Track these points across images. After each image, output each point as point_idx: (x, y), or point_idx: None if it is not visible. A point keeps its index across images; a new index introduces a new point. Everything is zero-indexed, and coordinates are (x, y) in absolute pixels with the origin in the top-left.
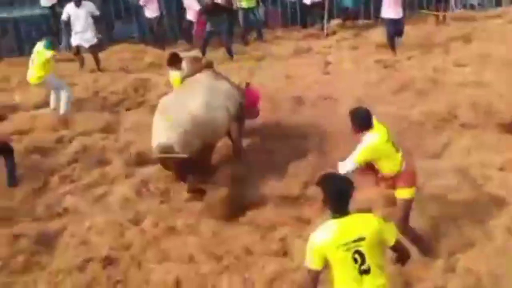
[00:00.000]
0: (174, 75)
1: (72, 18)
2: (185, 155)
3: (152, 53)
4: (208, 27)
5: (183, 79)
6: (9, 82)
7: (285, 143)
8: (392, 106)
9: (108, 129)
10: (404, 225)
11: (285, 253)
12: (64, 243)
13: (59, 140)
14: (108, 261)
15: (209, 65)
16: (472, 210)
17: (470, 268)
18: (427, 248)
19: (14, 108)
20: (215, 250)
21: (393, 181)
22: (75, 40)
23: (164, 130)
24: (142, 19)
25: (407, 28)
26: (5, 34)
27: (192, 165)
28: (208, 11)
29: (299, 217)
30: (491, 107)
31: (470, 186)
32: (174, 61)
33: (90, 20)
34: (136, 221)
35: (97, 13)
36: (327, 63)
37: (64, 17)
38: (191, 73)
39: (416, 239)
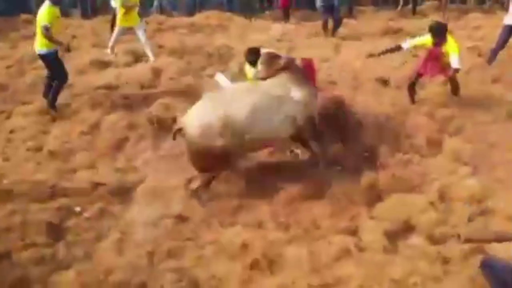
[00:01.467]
0: (248, 70)
1: None
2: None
3: (238, 22)
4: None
5: (255, 79)
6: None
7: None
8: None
9: (188, 93)
10: None
11: (354, 232)
12: (140, 196)
13: (143, 98)
14: (180, 219)
15: (288, 66)
16: None
17: None
18: None
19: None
20: (284, 219)
21: None
22: None
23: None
24: None
25: None
26: None
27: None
28: None
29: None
30: None
31: None
32: (251, 57)
33: None
34: None
35: None
36: None
37: None
38: (265, 76)
39: None
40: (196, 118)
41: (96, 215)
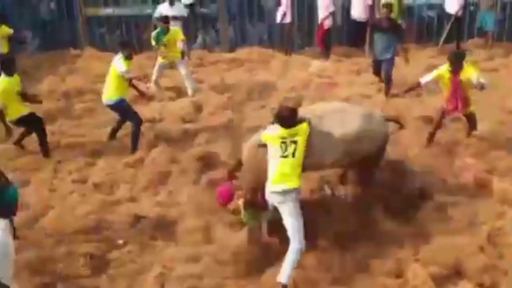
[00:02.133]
0: None
1: None
2: None
3: (279, 58)
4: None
5: None
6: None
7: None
8: None
9: (231, 127)
10: None
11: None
12: (181, 232)
13: (185, 132)
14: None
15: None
16: None
17: None
18: None
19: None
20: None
21: None
22: None
23: None
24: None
25: None
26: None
27: None
28: (378, 27)
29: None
30: None
31: None
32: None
33: None
34: None
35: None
36: None
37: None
38: None
39: None
40: None
41: (138, 249)
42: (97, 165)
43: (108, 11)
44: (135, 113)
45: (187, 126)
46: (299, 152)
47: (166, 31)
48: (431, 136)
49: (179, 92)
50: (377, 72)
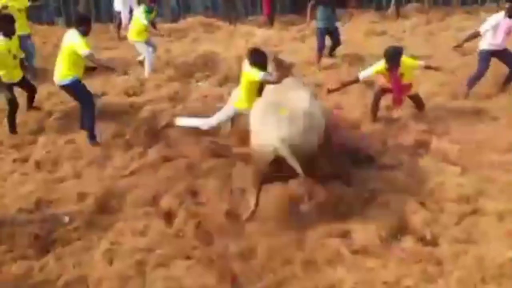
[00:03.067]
0: (250, 70)
1: None
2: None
3: (223, 27)
4: (321, 23)
5: (264, 81)
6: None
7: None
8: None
9: (176, 99)
10: None
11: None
12: (128, 206)
13: (131, 106)
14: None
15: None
16: None
17: None
18: None
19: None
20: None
21: None
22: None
23: (281, 123)
24: None
25: None
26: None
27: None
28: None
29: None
30: None
31: None
32: (256, 58)
33: None
34: None
35: None
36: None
37: None
38: (278, 80)
39: None
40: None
41: (84, 225)
42: (39, 142)
43: None
44: (90, 94)
45: (132, 99)
46: None
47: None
48: (374, 115)
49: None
50: (323, 41)
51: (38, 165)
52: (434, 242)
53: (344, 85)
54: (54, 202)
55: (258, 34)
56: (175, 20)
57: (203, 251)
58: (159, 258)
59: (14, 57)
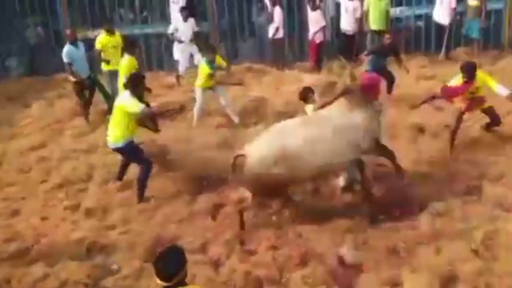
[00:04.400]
0: (308, 108)
1: None
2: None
3: (271, 73)
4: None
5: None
6: None
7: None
8: None
9: (225, 145)
10: None
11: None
12: None
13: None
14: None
15: (346, 90)
16: None
17: None
18: None
19: None
20: None
21: None
22: None
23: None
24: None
25: None
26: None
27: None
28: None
29: None
30: None
31: None
32: (305, 94)
33: None
34: None
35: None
36: None
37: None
38: (322, 105)
39: None
40: (255, 149)
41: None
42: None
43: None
44: (144, 155)
45: (181, 146)
46: None
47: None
48: (452, 140)
49: None
50: None
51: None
52: None
53: (424, 102)
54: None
55: (306, 80)
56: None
57: None
58: None
59: None
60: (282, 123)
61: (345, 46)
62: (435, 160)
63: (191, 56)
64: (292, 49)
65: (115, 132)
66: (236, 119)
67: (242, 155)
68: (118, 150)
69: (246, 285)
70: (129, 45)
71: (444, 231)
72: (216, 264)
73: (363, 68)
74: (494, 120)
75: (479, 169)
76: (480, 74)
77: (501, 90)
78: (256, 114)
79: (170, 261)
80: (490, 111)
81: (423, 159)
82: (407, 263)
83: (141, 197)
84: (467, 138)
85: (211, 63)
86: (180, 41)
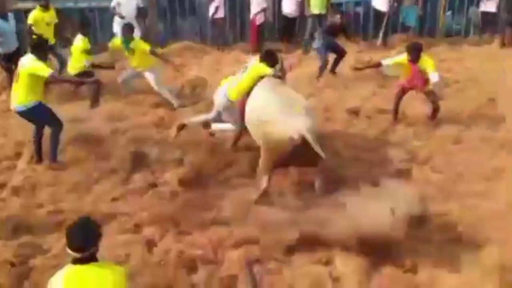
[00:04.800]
0: (256, 66)
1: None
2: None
3: (211, 53)
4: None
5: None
6: None
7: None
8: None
9: (162, 125)
10: None
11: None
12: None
13: (115, 131)
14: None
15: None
16: None
17: None
18: None
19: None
20: None
21: None
22: None
23: (303, 116)
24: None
25: None
26: None
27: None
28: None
29: None
30: None
31: None
32: (269, 57)
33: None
34: None
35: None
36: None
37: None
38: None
39: None
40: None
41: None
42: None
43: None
44: (54, 115)
45: (117, 125)
46: None
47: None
48: (396, 115)
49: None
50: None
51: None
52: (414, 270)
53: (367, 67)
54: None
55: (246, 61)
56: (162, 46)
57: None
58: (138, 286)
59: None
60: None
61: (286, 29)
62: (367, 143)
63: None
64: (233, 29)
65: (22, 95)
66: (175, 103)
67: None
68: (25, 113)
69: (180, 265)
70: (82, 25)
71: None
72: (150, 244)
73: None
74: (434, 104)
75: (408, 153)
76: (424, 56)
77: (433, 76)
78: (194, 94)
79: (82, 233)
80: (431, 94)
81: (357, 143)
82: (339, 242)
83: (54, 158)
84: (398, 123)
85: (125, 42)
86: (121, 17)
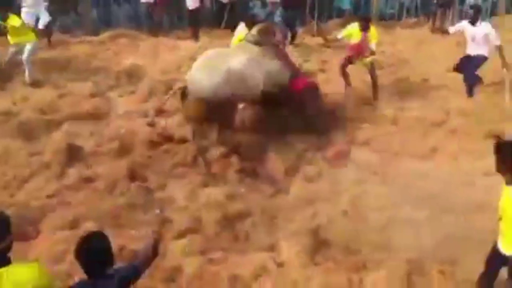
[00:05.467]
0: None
1: None
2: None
3: (147, 40)
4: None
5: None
6: None
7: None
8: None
9: (97, 115)
10: None
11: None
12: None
13: (46, 124)
14: None
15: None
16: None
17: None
18: None
19: None
20: None
21: None
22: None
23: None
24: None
25: None
26: None
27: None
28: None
29: None
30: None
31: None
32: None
33: None
34: None
35: None
36: (324, 61)
37: None
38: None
39: None
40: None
41: None
42: None
43: None
44: None
45: (49, 117)
46: None
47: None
48: (346, 80)
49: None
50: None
51: None
52: (356, 251)
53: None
54: None
55: (183, 47)
56: (95, 32)
57: None
58: None
59: None
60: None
61: (220, 13)
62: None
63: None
64: (170, 16)
65: None
66: (28, 79)
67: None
68: None
69: (121, 260)
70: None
71: (316, 195)
72: None
73: None
74: (373, 78)
75: (347, 135)
76: (372, 27)
77: (372, 46)
78: (131, 83)
79: None
80: (370, 66)
81: (294, 126)
82: (283, 228)
83: None
84: (336, 106)
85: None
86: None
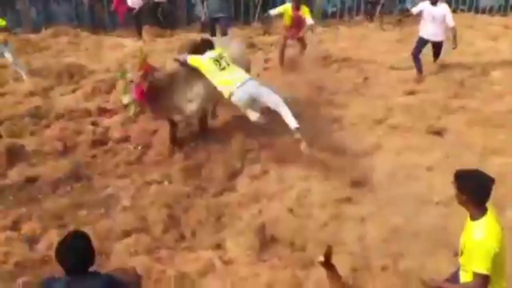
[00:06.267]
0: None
1: None
2: None
3: (89, 39)
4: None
5: None
6: None
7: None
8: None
9: (39, 115)
10: None
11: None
12: None
13: None
14: None
15: None
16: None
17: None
18: None
19: None
20: None
21: None
22: None
23: None
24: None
25: None
26: None
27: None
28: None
29: None
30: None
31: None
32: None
33: None
34: None
35: None
36: (267, 60)
37: None
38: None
39: None
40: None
41: None
42: None
43: None
44: None
45: None
46: None
47: None
48: (282, 61)
49: None
50: (214, 29)
51: None
52: (302, 247)
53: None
54: None
55: (128, 45)
56: (36, 31)
57: None
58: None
59: None
60: None
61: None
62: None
63: None
64: (112, 14)
65: None
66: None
67: None
68: None
69: None
70: None
71: (262, 193)
72: (31, 241)
73: None
74: (302, 46)
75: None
76: (304, 7)
77: (309, 21)
78: (73, 81)
79: None
80: (302, 40)
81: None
82: (229, 226)
83: None
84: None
85: None
86: None
